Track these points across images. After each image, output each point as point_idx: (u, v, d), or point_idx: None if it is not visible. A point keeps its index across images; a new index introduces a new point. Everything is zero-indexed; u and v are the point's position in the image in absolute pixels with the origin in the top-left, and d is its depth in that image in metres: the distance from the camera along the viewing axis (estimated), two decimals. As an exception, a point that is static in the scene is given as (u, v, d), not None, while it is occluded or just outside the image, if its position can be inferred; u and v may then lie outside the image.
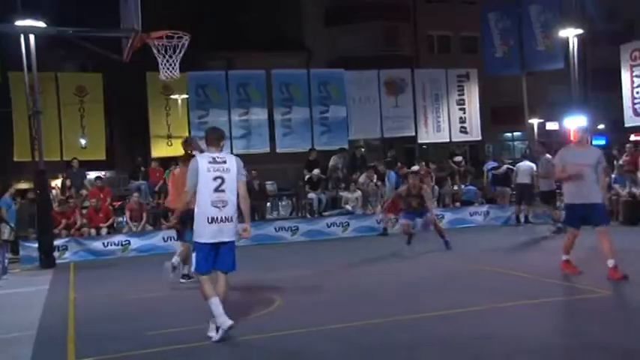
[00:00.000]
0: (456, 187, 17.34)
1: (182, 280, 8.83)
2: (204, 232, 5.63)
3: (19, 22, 12.82)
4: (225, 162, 5.73)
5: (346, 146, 18.14)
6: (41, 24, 12.77)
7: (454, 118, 19.09)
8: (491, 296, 6.90)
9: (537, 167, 14.22)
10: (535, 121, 29.74)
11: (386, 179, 15.83)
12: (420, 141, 19.60)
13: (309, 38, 30.61)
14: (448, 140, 19.26)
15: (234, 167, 5.73)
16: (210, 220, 5.59)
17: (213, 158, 5.71)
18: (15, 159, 16.13)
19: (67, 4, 18.85)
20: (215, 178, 5.62)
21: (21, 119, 15.35)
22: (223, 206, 5.61)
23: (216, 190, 5.60)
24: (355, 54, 28.72)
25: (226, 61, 25.94)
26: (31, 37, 12.83)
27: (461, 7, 30.89)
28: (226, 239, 5.67)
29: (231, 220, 5.67)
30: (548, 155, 13.30)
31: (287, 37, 30.41)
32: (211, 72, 18.66)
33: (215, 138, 5.86)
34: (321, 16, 30.85)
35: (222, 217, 5.60)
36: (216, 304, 5.61)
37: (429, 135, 19.08)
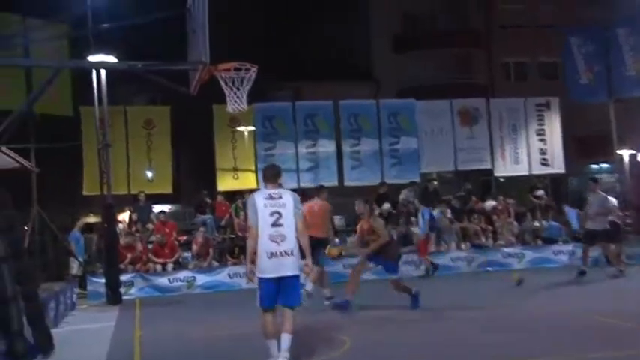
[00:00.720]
0: (537, 224, 16.84)
1: (326, 302, 9.90)
2: (265, 267, 5.89)
3: (91, 58, 13.48)
4: (281, 197, 6.05)
5: (418, 179, 18.03)
6: (112, 58, 13.41)
7: (534, 149, 18.61)
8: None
9: (588, 205, 13.16)
10: (625, 153, 28.32)
11: (419, 217, 15.40)
12: (496, 174, 19.22)
13: (377, 67, 30.73)
14: (527, 173, 18.72)
15: (291, 202, 6.04)
16: (269, 255, 5.86)
17: (270, 195, 6.06)
18: (84, 193, 16.80)
19: (137, 38, 19.65)
20: (272, 214, 5.93)
21: (91, 153, 16.04)
22: (282, 240, 5.88)
23: (274, 224, 5.90)
24: (426, 83, 28.63)
25: (293, 92, 26.39)
26: (102, 72, 13.52)
27: (538, 32, 30.03)
28: (288, 273, 5.89)
29: (291, 254, 5.91)
30: (601, 192, 12.90)
31: (355, 66, 30.63)
32: (278, 103, 19.01)
33: (272, 175, 6.26)
34: (389, 43, 30.96)
35: (281, 251, 5.86)
36: (273, 345, 5.83)
37: (506, 167, 18.66)
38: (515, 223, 16.75)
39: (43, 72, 11.54)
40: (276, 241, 5.86)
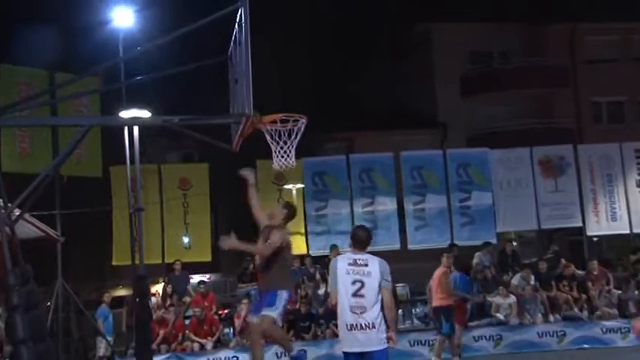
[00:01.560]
0: (641, 292, 16.54)
1: None
2: (345, 340, 6.14)
3: (123, 113, 14.04)
4: (366, 265, 6.20)
5: (494, 240, 17.88)
6: (146, 113, 13.97)
7: (634, 203, 18.32)
8: None
9: None
10: None
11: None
12: (589, 233, 18.98)
13: (443, 111, 30.20)
14: (628, 232, 18.41)
15: (377, 271, 6.19)
16: (348, 327, 6.08)
17: (354, 260, 6.24)
18: (113, 263, 17.25)
19: (173, 90, 20.58)
20: (354, 282, 6.10)
21: (121, 218, 16.59)
22: (362, 312, 6.04)
23: (355, 294, 6.07)
24: (500, 128, 28.44)
25: (346, 144, 26.78)
26: (135, 129, 14.04)
27: (634, 66, 29.65)
28: (372, 349, 6.04)
29: (373, 327, 6.05)
30: None
31: (417, 112, 30.24)
32: (330, 157, 19.58)
33: (363, 240, 6.44)
34: (456, 85, 30.62)
35: (361, 324, 6.02)
36: None
37: (601, 225, 18.40)
38: (614, 292, 16.26)
39: (70, 130, 12.01)
40: (355, 313, 6.03)
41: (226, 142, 10.25)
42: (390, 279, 6.28)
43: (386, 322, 6.19)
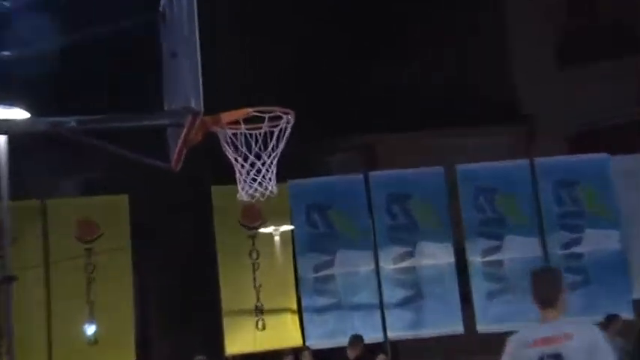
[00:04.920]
0: None
1: None
2: None
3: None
4: (568, 337, 6.40)
5: (628, 314, 17.92)
6: (20, 113, 14.19)
7: None
8: None
9: None
10: None
11: None
12: None
13: (526, 97, 30.21)
14: None
15: (585, 345, 6.35)
16: None
17: (543, 339, 6.51)
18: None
19: (67, 79, 20.85)
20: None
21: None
22: None
23: None
24: (625, 118, 28.57)
25: (363, 154, 26.79)
26: (1, 139, 14.35)
27: None
28: None
29: None
30: None
31: (480, 99, 30.33)
32: (336, 178, 19.79)
33: (546, 292, 6.90)
34: (548, 53, 30.70)
35: None
36: None
37: None
38: None
39: None
40: None
41: (159, 157, 10.60)
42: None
43: None
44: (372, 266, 17.80)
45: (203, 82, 9.11)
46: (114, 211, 18.28)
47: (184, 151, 10.04)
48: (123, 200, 18.30)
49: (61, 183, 26.85)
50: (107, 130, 10.88)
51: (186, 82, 9.34)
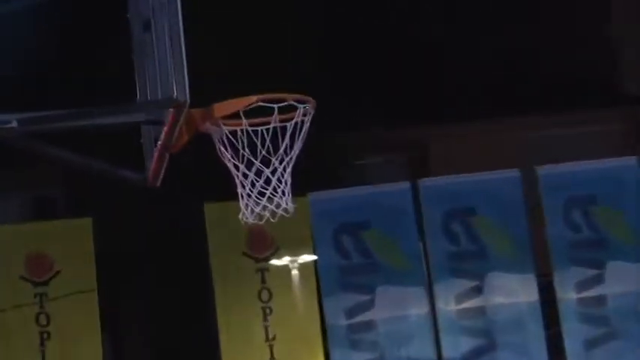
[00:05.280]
0: None
1: None
2: None
3: None
4: None
5: None
6: None
7: None
8: None
9: None
10: None
11: None
12: None
13: (631, 74, 30.14)
14: None
15: None
16: None
17: None
18: None
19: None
20: None
21: None
22: None
23: None
24: None
25: (410, 154, 26.73)
26: None
27: None
28: None
29: None
30: None
31: (567, 76, 30.08)
32: (373, 188, 19.69)
33: None
34: None
35: None
36: None
37: None
38: None
39: None
40: None
41: (132, 168, 10.40)
42: None
43: None
44: (427, 308, 17.67)
45: (188, 62, 8.94)
46: (74, 240, 18.09)
47: (165, 159, 9.83)
48: (86, 225, 18.13)
49: (2, 205, 26.76)
50: (61, 132, 10.71)
51: (165, 62, 9.10)
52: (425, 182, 18.62)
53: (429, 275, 17.74)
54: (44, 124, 9.96)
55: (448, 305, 17.61)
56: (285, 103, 9.81)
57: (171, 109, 8.94)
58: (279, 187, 10.14)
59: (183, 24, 8.93)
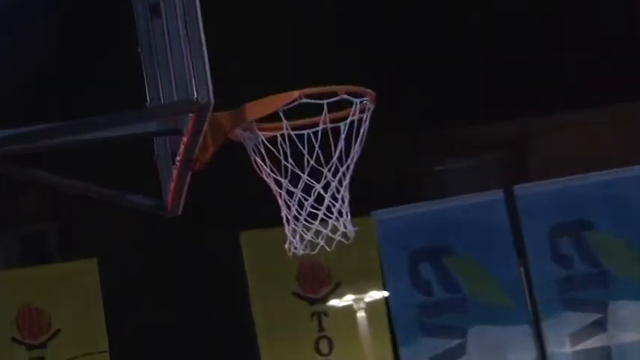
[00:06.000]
0: None
1: None
2: None
3: None
4: None
5: None
6: None
7: None
8: None
9: None
10: None
11: None
12: None
13: None
14: None
15: None
16: None
17: None
18: None
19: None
20: None
21: None
22: None
23: None
24: None
25: (503, 155, 26.91)
26: None
27: None
28: None
29: None
30: None
31: None
32: (456, 200, 19.89)
33: None
34: None
35: None
36: None
37: None
38: None
39: None
40: None
41: (146, 192, 10.58)
42: None
43: None
44: (534, 353, 17.75)
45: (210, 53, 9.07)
46: (76, 288, 18.31)
47: (187, 178, 9.98)
48: (89, 269, 18.34)
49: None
50: (53, 150, 10.87)
51: (180, 55, 9.24)
52: (523, 189, 18.65)
53: (534, 310, 17.78)
54: (28, 142, 10.02)
55: (562, 347, 17.64)
56: (337, 98, 9.84)
57: (190, 115, 9.02)
58: (334, 205, 10.15)
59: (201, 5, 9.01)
